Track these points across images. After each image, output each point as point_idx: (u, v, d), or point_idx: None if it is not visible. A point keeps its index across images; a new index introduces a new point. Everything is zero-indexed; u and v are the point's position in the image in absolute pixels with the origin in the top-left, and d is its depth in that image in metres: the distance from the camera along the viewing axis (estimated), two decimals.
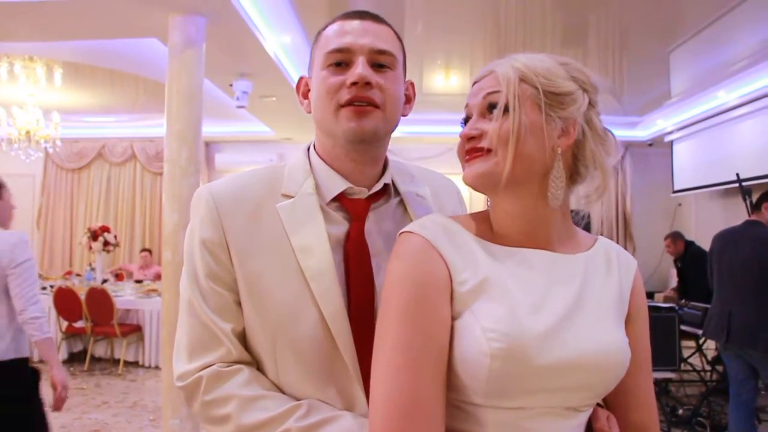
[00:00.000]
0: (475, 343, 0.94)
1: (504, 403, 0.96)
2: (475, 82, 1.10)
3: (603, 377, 1.00)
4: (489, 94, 1.04)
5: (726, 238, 4.53)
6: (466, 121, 1.09)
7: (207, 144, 10.68)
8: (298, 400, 1.11)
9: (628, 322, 1.09)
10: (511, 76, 1.03)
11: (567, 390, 0.97)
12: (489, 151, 1.02)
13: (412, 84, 1.31)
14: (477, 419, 0.98)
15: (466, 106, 1.09)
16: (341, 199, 1.23)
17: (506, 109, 1.01)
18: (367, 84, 1.15)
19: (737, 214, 5.98)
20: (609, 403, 1.13)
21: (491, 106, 1.04)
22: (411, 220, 1.20)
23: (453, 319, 0.99)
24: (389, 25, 1.25)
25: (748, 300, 4.18)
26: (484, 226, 1.09)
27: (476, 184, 1.05)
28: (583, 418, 1.03)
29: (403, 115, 1.27)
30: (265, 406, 1.08)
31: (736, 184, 7.16)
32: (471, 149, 1.05)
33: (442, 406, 0.95)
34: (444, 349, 0.97)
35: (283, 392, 1.13)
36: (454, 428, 0.99)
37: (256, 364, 1.17)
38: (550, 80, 1.03)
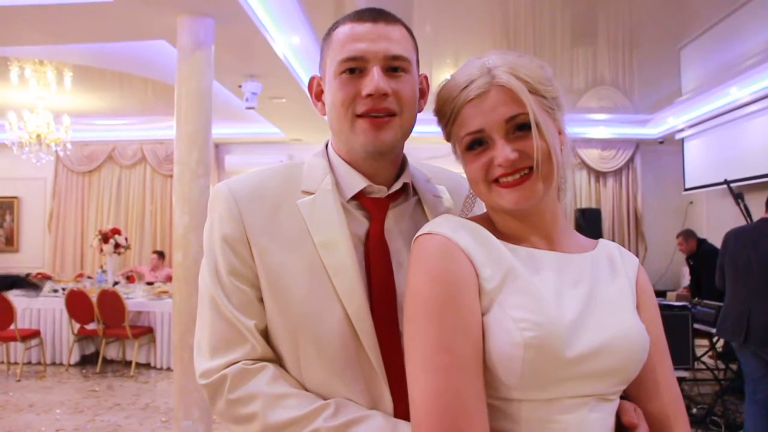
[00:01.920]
0: (507, 336, 0.95)
1: (538, 394, 0.97)
2: (471, 99, 1.04)
3: (627, 360, 1.01)
4: (514, 116, 1.02)
5: (742, 237, 4.45)
6: (475, 141, 1.06)
7: (216, 146, 10.71)
8: (321, 397, 1.10)
9: (638, 311, 1.11)
10: (528, 92, 1.02)
11: (595, 376, 0.98)
12: (531, 169, 1.03)
13: (425, 77, 1.29)
14: (510, 416, 0.98)
15: (480, 130, 1.04)
16: (361, 198, 1.22)
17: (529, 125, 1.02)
18: (383, 95, 1.14)
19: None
20: (632, 394, 1.13)
21: (520, 126, 1.03)
22: (429, 221, 1.19)
23: (482, 315, 0.99)
24: (401, 23, 1.21)
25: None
26: (489, 227, 1.09)
27: (527, 206, 1.04)
28: (612, 408, 1.04)
29: (419, 111, 1.24)
30: (292, 405, 1.07)
31: (749, 182, 7.14)
32: (514, 171, 1.03)
33: (485, 403, 0.95)
34: (481, 347, 0.97)
35: (306, 390, 1.12)
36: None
37: (280, 361, 1.16)
38: (550, 86, 1.06)
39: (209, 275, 1.17)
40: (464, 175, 1.18)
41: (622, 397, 1.09)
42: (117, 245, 8.58)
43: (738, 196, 5.21)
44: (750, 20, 5.46)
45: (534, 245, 1.08)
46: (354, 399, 1.10)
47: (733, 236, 4.54)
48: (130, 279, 9.24)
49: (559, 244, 1.11)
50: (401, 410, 1.08)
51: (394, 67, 1.16)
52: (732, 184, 7.68)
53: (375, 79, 1.13)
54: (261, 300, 1.16)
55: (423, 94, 1.27)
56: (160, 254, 9.65)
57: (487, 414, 0.96)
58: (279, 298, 1.13)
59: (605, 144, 10.24)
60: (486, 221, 1.12)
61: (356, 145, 1.18)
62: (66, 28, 5.11)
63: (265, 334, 1.16)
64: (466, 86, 1.05)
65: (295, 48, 6.06)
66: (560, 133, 1.09)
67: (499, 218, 1.11)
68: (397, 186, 1.24)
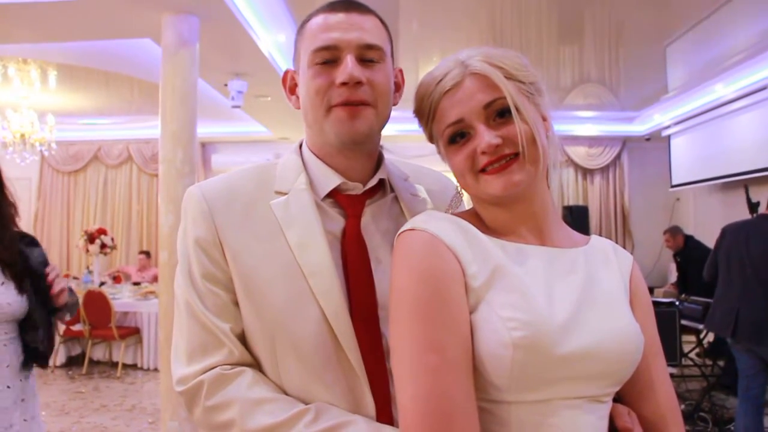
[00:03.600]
0: (495, 335, 0.92)
1: (528, 396, 0.94)
2: (447, 91, 1.03)
3: (621, 362, 0.99)
4: (491, 102, 1.01)
5: (738, 233, 4.46)
6: (456, 133, 1.04)
7: (203, 145, 10.65)
8: (301, 401, 1.07)
9: (632, 309, 1.08)
10: (503, 78, 1.01)
11: (588, 378, 0.96)
12: (517, 155, 1.01)
13: (400, 71, 1.28)
14: (500, 418, 0.96)
15: (459, 120, 1.03)
16: (336, 195, 1.20)
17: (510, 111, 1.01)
18: (358, 83, 1.12)
19: (736, 207, 5.97)
20: (626, 396, 1.11)
21: (500, 113, 1.01)
22: (406, 218, 1.18)
23: (469, 313, 0.96)
24: (375, 14, 1.20)
25: (758, 296, 4.15)
26: (477, 222, 1.07)
27: (516, 192, 1.02)
28: (604, 411, 1.02)
29: (394, 104, 1.23)
30: (270, 410, 1.04)
31: (735, 178, 7.18)
32: (500, 157, 1.01)
33: (476, 404, 0.93)
34: (470, 345, 0.94)
35: (286, 394, 1.09)
36: None
37: (258, 365, 1.13)
38: (527, 71, 1.05)
39: (183, 280, 1.15)
40: (447, 173, 1.17)
41: (615, 400, 1.07)
42: (103, 245, 8.51)
43: (755, 205, 5.21)
44: (734, 17, 5.48)
45: (524, 239, 1.05)
46: (335, 402, 1.07)
47: (729, 231, 4.55)
48: (116, 279, 9.18)
49: (550, 237, 1.08)
50: (384, 412, 1.06)
51: (367, 57, 1.14)
52: (718, 181, 7.76)
53: (349, 68, 1.11)
54: (236, 303, 1.13)
55: (398, 87, 1.26)
56: (148, 254, 9.60)
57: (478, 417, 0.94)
58: (254, 300, 1.11)
59: (592, 141, 10.27)
60: (473, 216, 1.09)
61: (331, 135, 1.15)
62: (49, 26, 5.06)
63: (242, 338, 1.13)
64: (441, 79, 1.04)
65: (280, 46, 6.03)
66: (544, 119, 1.07)
67: (487, 211, 1.08)
68: (373, 182, 1.22)
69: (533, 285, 0.97)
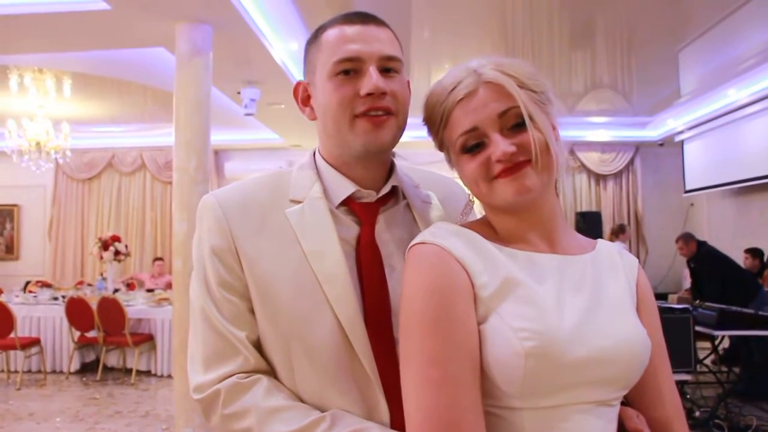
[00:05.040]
0: (507, 345, 0.93)
1: (540, 402, 0.95)
2: (460, 99, 1.03)
3: (629, 366, 1.00)
4: (506, 111, 1.01)
5: None
6: (469, 141, 1.04)
7: (216, 152, 10.71)
8: (316, 407, 1.08)
9: (638, 314, 1.09)
10: (516, 86, 1.02)
11: (598, 383, 0.97)
12: (529, 161, 1.01)
13: (407, 82, 1.28)
14: (512, 424, 0.97)
15: (474, 129, 1.03)
16: (350, 203, 1.21)
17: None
18: (382, 94, 1.13)
19: (750, 212, 5.93)
20: (634, 400, 1.12)
21: (514, 124, 1.02)
22: (418, 225, 1.20)
23: (478, 324, 0.97)
24: (388, 26, 1.22)
25: None
26: (488, 231, 1.08)
27: (528, 198, 1.02)
28: (613, 414, 1.03)
29: None
30: (287, 418, 1.05)
31: (748, 183, 7.13)
32: (514, 165, 1.01)
33: (482, 416, 0.94)
34: (477, 358, 0.95)
35: (301, 401, 1.11)
36: None
37: (273, 372, 1.14)
38: (537, 80, 1.05)
39: (199, 287, 1.16)
40: (456, 179, 1.17)
41: (622, 403, 1.08)
42: (117, 252, 8.57)
43: None
44: (747, 22, 5.46)
45: (534, 246, 1.06)
46: (349, 408, 1.08)
47: None
48: (130, 286, 9.23)
49: (560, 244, 1.09)
50: (397, 417, 1.06)
51: (387, 67, 1.16)
52: (732, 186, 7.71)
53: (374, 79, 1.12)
54: (252, 311, 1.14)
55: None
56: (164, 261, 9.66)
57: (489, 424, 0.95)
58: (269, 307, 1.12)
59: (605, 147, 10.24)
60: (484, 225, 1.10)
61: (356, 145, 1.16)
62: (65, 36, 5.12)
63: (258, 346, 1.14)
64: (454, 88, 1.04)
65: (293, 54, 6.05)
66: (554, 127, 1.07)
67: (498, 219, 1.09)
68: (386, 189, 1.23)
69: (544, 294, 0.98)
